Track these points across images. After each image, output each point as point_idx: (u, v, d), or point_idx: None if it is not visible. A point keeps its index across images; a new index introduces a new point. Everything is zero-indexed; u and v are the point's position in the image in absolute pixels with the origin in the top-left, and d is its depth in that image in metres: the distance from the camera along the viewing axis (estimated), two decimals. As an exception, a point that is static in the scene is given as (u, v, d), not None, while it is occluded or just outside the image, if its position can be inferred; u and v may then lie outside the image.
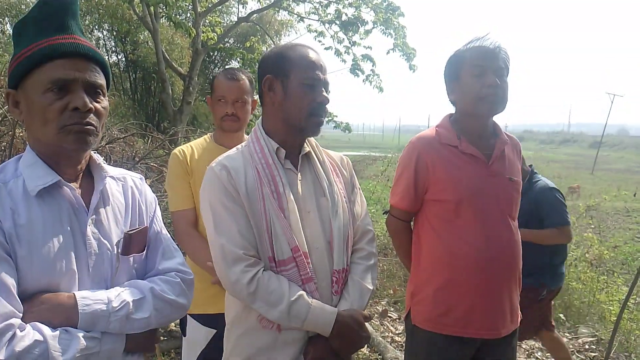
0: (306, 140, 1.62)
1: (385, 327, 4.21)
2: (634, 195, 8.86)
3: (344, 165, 1.72)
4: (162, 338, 3.64)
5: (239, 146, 1.62)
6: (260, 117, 1.63)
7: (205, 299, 2.09)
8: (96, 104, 1.18)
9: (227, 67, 10.71)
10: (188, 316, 2.19)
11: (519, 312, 1.97)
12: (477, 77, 1.83)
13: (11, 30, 14.60)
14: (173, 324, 3.54)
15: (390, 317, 4.44)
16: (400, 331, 4.18)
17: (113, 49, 15.44)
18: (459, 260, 1.83)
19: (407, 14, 10.37)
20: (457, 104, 1.95)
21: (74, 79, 1.14)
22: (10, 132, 5.38)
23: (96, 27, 14.53)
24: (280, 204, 1.49)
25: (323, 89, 1.54)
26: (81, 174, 1.25)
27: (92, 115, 1.17)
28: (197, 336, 2.15)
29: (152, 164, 6.18)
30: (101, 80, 1.20)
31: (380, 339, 3.85)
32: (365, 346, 3.79)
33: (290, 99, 1.51)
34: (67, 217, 1.17)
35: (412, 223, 2.06)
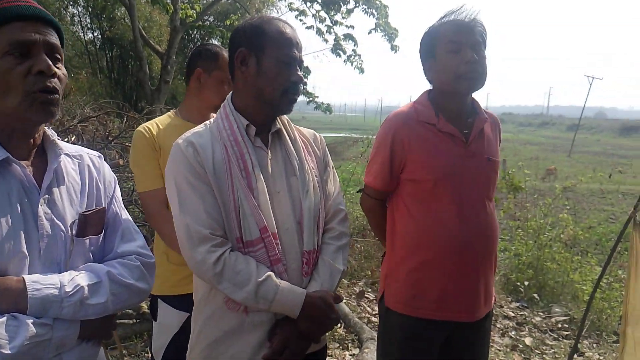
0: (277, 118, 1.56)
1: (362, 308, 4.22)
2: (609, 177, 9.02)
3: (316, 143, 1.66)
4: (133, 321, 3.59)
5: (207, 122, 1.56)
6: (230, 93, 1.57)
7: (177, 280, 2.04)
8: (56, 69, 1.11)
9: (204, 42, 10.49)
10: (159, 299, 2.13)
11: (493, 294, 1.95)
12: (454, 54, 1.76)
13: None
14: (145, 306, 3.48)
15: (367, 297, 4.45)
16: (376, 312, 4.20)
17: (89, 25, 15.01)
18: (433, 242, 1.79)
19: (389, -7, 10.25)
20: (435, 83, 1.88)
21: (35, 41, 1.07)
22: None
23: (71, 2, 14.09)
24: (249, 183, 1.44)
25: (297, 67, 1.49)
26: (34, 151, 1.18)
27: (55, 79, 1.10)
28: (169, 320, 2.08)
29: (127, 143, 6.05)
30: (59, 44, 1.13)
31: (357, 319, 3.85)
32: (342, 327, 3.80)
33: (264, 75, 1.45)
34: (17, 196, 1.10)
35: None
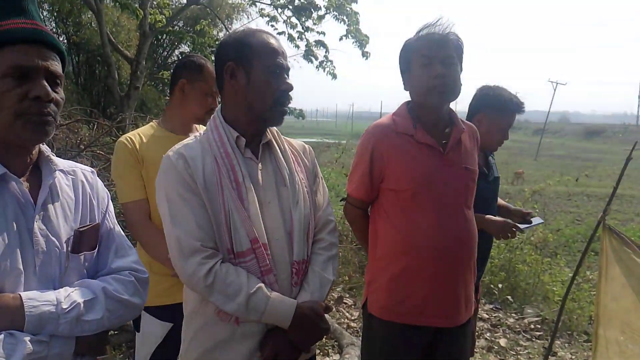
0: (267, 130, 1.58)
1: (341, 314, 4.25)
2: (577, 180, 9.30)
3: (306, 154, 1.69)
4: (111, 332, 3.53)
5: (197, 134, 1.57)
6: (220, 106, 1.58)
7: (160, 291, 2.03)
8: (54, 94, 1.12)
9: (186, 52, 10.37)
10: (142, 310, 2.12)
11: (474, 300, 2.01)
12: (425, 68, 1.84)
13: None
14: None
15: (345, 303, 4.49)
16: (355, 317, 4.24)
17: (54, 30, 14.66)
18: (414, 250, 1.85)
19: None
20: (411, 95, 1.96)
21: (36, 67, 1.08)
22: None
23: (35, 6, 13.74)
24: (240, 195, 1.45)
25: (286, 75, 1.52)
26: (29, 168, 1.17)
27: (52, 105, 1.10)
28: (152, 331, 2.07)
29: (98, 151, 5.94)
30: (60, 70, 1.14)
31: (337, 325, 3.88)
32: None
33: (253, 86, 1.48)
34: (13, 213, 1.10)
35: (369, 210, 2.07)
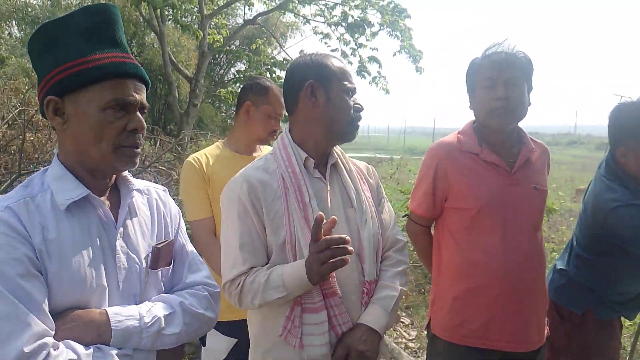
0: (333, 150, 1.60)
1: (398, 333, 4.18)
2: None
3: (370, 174, 1.70)
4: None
5: (267, 155, 1.61)
6: (288, 125, 1.62)
7: (225, 307, 2.07)
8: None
9: (241, 70, 10.66)
10: None
11: (546, 328, 1.93)
12: (488, 90, 1.82)
13: (19, 33, 14.64)
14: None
15: (402, 322, 4.41)
16: (413, 337, 4.16)
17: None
18: (478, 270, 1.81)
19: (413, 14, 10.37)
20: (475, 114, 1.94)
21: (135, 102, 1.15)
22: (20, 136, 5.39)
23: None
24: (306, 216, 1.47)
25: (355, 97, 1.57)
26: (109, 188, 1.23)
27: (140, 135, 1.17)
28: (218, 346, 2.12)
29: (160, 167, 6.18)
30: (146, 101, 1.21)
31: (394, 344, 3.82)
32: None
33: (333, 105, 1.52)
34: (96, 231, 1.16)
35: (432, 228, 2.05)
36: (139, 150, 1.18)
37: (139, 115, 1.17)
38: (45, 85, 1.13)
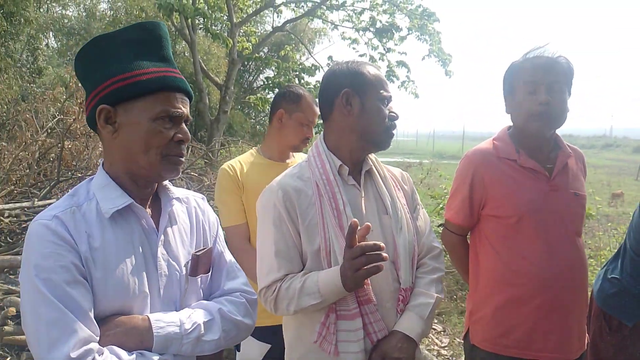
0: (367, 157, 1.60)
1: (430, 340, 4.13)
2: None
3: (404, 180, 1.69)
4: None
5: (302, 162, 1.62)
6: (322, 132, 1.62)
7: (259, 312, 2.09)
8: None
9: (270, 77, 10.76)
10: None
11: (587, 335, 1.88)
12: (529, 94, 1.78)
13: (55, 43, 15.11)
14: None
15: (434, 329, 4.36)
16: (445, 344, 4.10)
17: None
18: (520, 279, 1.77)
19: (441, 18, 10.29)
20: (512, 119, 1.90)
21: (182, 114, 1.19)
22: (58, 145, 5.58)
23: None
24: (340, 223, 1.47)
25: (391, 105, 1.56)
26: (151, 197, 1.27)
27: (185, 145, 1.21)
28: (251, 351, 2.14)
29: (192, 173, 6.29)
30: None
31: (426, 352, 3.78)
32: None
33: (368, 113, 1.52)
34: (139, 239, 1.18)
35: (468, 237, 2.02)
36: (183, 159, 1.22)
37: (184, 127, 1.21)
38: (97, 95, 1.16)
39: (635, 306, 2.00)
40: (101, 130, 1.18)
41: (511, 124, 1.94)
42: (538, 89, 1.76)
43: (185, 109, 1.20)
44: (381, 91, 1.53)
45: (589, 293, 1.90)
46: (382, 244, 1.34)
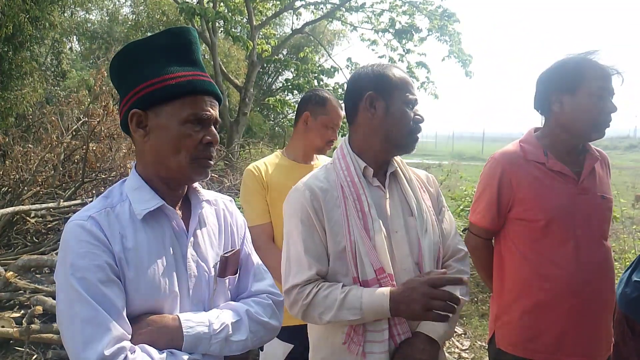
0: (393, 159, 1.61)
1: (451, 343, 4.11)
2: None
3: (430, 182, 1.69)
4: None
5: (327, 164, 1.63)
6: (347, 135, 1.63)
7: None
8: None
9: (289, 79, 10.80)
10: None
11: (612, 339, 1.86)
12: (598, 100, 1.72)
13: (79, 47, 15.37)
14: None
15: (455, 331, 4.33)
16: (466, 347, 4.07)
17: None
18: (549, 283, 1.75)
19: (462, 19, 10.21)
20: (559, 119, 1.80)
21: (211, 117, 1.21)
22: (83, 146, 5.68)
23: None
24: (365, 224, 1.47)
25: (417, 108, 1.55)
26: (181, 199, 1.29)
27: (214, 148, 1.23)
28: (274, 351, 2.16)
29: (213, 174, 6.36)
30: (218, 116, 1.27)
31: (447, 354, 3.75)
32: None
33: (392, 116, 1.51)
34: (170, 240, 1.21)
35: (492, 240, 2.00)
36: (212, 162, 1.23)
37: (214, 129, 1.22)
38: (129, 100, 1.19)
39: None
40: (133, 134, 1.21)
41: (538, 127, 1.91)
42: (607, 97, 1.73)
43: (214, 111, 1.22)
44: (406, 94, 1.52)
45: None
46: (463, 298, 1.42)
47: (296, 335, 2.06)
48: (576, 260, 1.73)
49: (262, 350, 2.24)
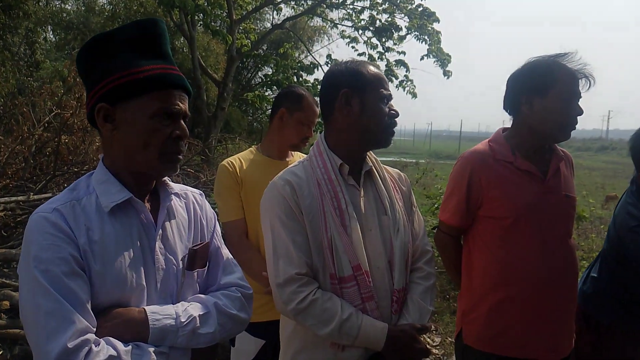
0: (367, 156, 1.62)
1: (422, 339, 4.16)
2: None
3: (402, 182, 1.71)
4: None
5: (303, 160, 1.64)
6: (323, 132, 1.64)
7: (254, 308, 2.11)
8: None
9: (269, 74, 10.74)
10: None
11: (574, 334, 1.92)
12: (567, 103, 1.76)
13: (54, 37, 15.05)
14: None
15: (427, 328, 4.39)
16: (437, 343, 4.13)
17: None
18: (515, 280, 1.79)
19: (441, 17, 10.30)
20: (527, 119, 1.83)
21: (180, 111, 1.19)
22: (55, 139, 5.57)
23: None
24: (343, 221, 1.49)
25: (391, 103, 1.57)
26: (150, 192, 1.28)
27: (183, 142, 1.22)
28: (246, 346, 2.16)
29: (189, 169, 6.29)
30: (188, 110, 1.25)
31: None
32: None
33: (368, 112, 1.53)
34: (137, 233, 1.20)
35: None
36: (181, 156, 1.22)
37: (183, 123, 1.21)
38: (96, 93, 1.17)
39: (610, 305, 2.04)
40: (101, 128, 1.19)
41: (506, 127, 1.95)
42: (574, 100, 1.76)
43: (183, 105, 1.20)
44: (381, 90, 1.54)
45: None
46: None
47: (268, 331, 2.06)
48: (542, 257, 1.77)
49: (233, 346, 2.24)
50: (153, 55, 1.19)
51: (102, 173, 1.21)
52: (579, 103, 1.78)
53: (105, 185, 1.19)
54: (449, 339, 4.14)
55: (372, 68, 1.57)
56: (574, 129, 1.80)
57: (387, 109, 1.55)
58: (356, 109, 1.53)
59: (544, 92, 1.77)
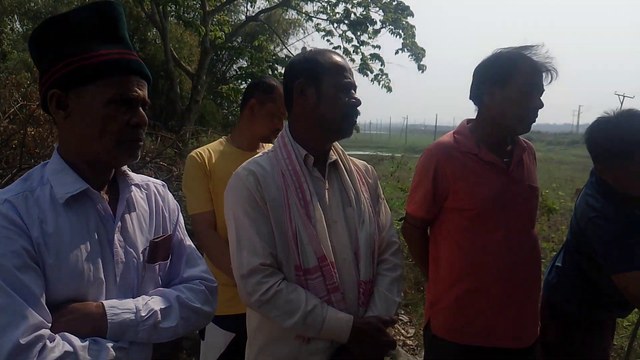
0: (333, 148, 1.60)
1: (396, 331, 4.19)
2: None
3: (369, 173, 1.70)
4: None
5: (267, 151, 1.61)
6: (287, 123, 1.62)
7: (224, 301, 2.08)
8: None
9: (243, 67, 10.64)
10: None
11: (539, 322, 1.95)
12: (527, 95, 1.75)
13: (21, 27, 14.63)
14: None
15: (401, 319, 4.42)
16: (411, 334, 4.17)
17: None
18: (481, 270, 1.80)
19: (416, 10, 10.35)
20: (489, 110, 1.84)
21: (138, 97, 1.15)
22: (21, 131, 5.40)
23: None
24: (308, 212, 1.47)
25: (353, 91, 1.54)
26: (108, 182, 1.24)
27: (142, 130, 1.18)
28: (216, 340, 2.13)
29: (161, 163, 6.18)
30: (147, 97, 1.21)
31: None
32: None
33: (324, 102, 1.50)
34: (95, 225, 1.16)
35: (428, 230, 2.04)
36: (140, 144, 1.19)
37: (141, 110, 1.18)
38: (49, 79, 1.13)
39: (574, 295, 2.08)
40: (54, 116, 1.15)
41: (470, 119, 1.96)
42: (535, 93, 1.76)
43: (142, 92, 1.17)
44: (339, 78, 1.51)
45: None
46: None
47: (238, 324, 2.04)
48: (506, 247, 1.79)
49: (203, 340, 2.21)
50: (109, 40, 1.15)
51: (56, 162, 1.17)
52: (542, 97, 1.79)
53: (60, 175, 1.14)
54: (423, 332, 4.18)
55: (331, 56, 1.54)
56: (534, 122, 1.80)
57: (346, 98, 1.51)
58: (312, 99, 1.51)
59: (503, 82, 1.77)
